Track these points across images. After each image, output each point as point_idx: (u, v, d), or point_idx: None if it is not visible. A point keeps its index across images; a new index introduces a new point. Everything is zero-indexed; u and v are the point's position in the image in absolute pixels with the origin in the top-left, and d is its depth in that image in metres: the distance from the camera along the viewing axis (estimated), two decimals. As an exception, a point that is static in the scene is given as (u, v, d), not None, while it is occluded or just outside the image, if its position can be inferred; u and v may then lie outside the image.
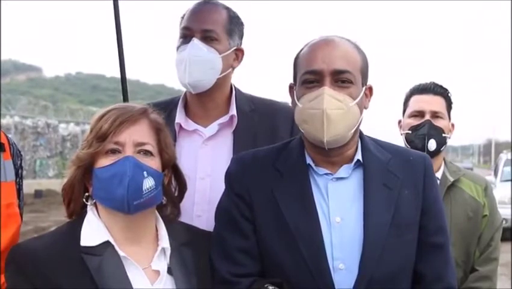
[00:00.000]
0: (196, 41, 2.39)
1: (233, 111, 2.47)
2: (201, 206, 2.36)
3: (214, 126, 2.47)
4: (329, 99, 1.90)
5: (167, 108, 2.41)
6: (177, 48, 2.44)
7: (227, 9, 2.49)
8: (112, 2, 2.75)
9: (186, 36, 2.42)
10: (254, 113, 2.50)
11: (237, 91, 2.54)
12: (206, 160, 2.43)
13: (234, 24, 2.48)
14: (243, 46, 2.55)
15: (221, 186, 2.16)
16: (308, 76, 1.95)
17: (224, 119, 2.47)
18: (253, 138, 2.40)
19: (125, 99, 2.76)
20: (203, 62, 2.39)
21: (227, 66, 2.45)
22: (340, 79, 1.93)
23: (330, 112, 1.90)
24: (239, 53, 2.51)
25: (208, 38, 2.40)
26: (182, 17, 2.48)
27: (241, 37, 2.52)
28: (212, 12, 2.45)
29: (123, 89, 2.79)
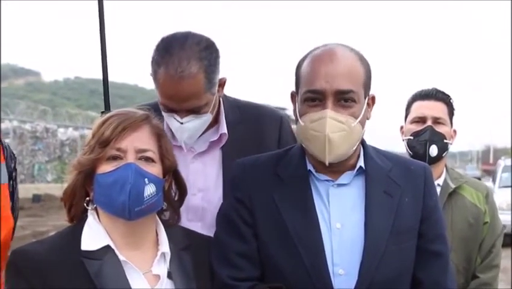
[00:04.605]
0: (185, 123, 2.26)
1: (223, 129, 2.43)
2: (193, 223, 2.32)
3: (204, 143, 2.44)
4: (332, 122, 1.90)
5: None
6: (163, 112, 2.28)
7: (201, 62, 2.21)
8: (97, 5, 2.70)
9: (170, 111, 2.26)
10: (241, 124, 2.46)
11: (224, 101, 2.48)
12: (198, 175, 2.40)
13: (212, 73, 2.25)
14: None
15: (213, 201, 2.18)
16: (310, 94, 1.93)
17: (215, 137, 2.44)
18: (241, 151, 2.32)
19: (106, 101, 2.73)
20: (198, 129, 2.33)
21: (215, 104, 2.37)
22: (343, 98, 1.92)
23: (333, 135, 1.90)
24: (222, 84, 2.38)
25: (194, 112, 2.26)
26: (153, 75, 2.25)
27: (219, 68, 2.31)
28: (188, 86, 2.19)
29: (105, 92, 2.75)
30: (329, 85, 1.90)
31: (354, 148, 1.98)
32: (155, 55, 2.23)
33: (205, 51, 2.23)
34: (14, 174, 2.16)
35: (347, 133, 1.92)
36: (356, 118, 1.93)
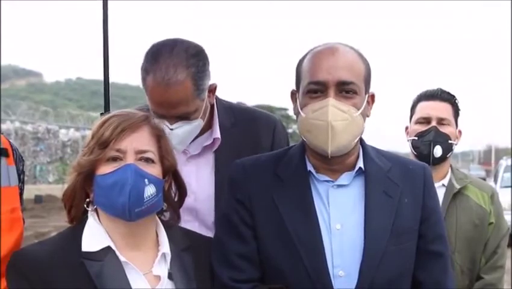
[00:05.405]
0: (174, 130, 2.26)
1: (216, 134, 2.44)
2: (190, 224, 2.32)
3: (198, 146, 2.45)
4: (334, 110, 1.90)
5: None
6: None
7: (188, 69, 2.22)
8: (102, 7, 2.71)
9: (160, 117, 2.23)
10: (235, 128, 2.47)
11: (218, 105, 2.48)
12: (191, 177, 2.39)
13: (200, 80, 2.25)
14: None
15: (205, 203, 2.18)
16: (313, 86, 1.94)
17: (208, 141, 2.45)
18: (235, 155, 2.31)
19: (106, 102, 2.73)
20: (189, 135, 2.34)
21: (206, 109, 2.37)
22: (345, 89, 1.93)
23: (335, 123, 1.90)
24: (213, 90, 2.39)
25: (184, 118, 2.28)
26: (142, 82, 2.27)
27: (208, 74, 2.32)
28: (176, 93, 2.20)
29: (105, 93, 2.75)
30: (331, 76, 1.92)
31: (355, 141, 1.98)
32: (144, 62, 2.26)
33: (193, 58, 2.25)
34: (22, 176, 2.16)
35: (349, 122, 1.92)
36: (358, 109, 1.94)
